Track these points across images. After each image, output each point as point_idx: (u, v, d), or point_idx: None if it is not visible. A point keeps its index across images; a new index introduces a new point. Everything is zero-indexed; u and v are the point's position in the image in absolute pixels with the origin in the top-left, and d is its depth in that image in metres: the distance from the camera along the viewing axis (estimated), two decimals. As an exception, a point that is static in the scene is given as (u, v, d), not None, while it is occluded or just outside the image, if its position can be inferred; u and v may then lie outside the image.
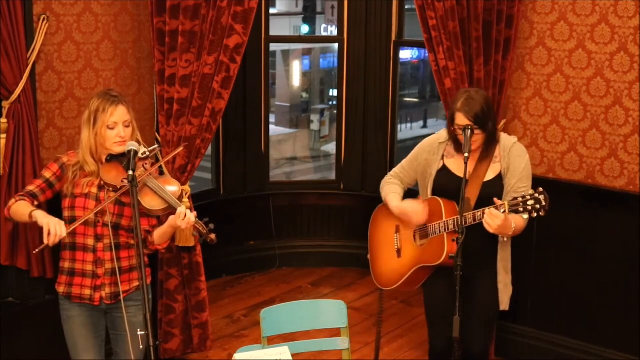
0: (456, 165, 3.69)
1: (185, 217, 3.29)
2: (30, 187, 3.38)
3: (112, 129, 3.33)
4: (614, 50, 4.40)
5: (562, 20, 4.53)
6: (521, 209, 3.37)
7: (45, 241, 3.16)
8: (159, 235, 3.47)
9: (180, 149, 3.88)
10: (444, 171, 3.73)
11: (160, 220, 3.48)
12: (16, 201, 3.33)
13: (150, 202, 3.32)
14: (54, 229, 3.15)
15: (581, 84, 4.53)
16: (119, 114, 3.34)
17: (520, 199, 3.38)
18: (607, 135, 4.49)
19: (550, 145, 4.67)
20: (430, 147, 3.80)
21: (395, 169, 3.97)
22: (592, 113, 4.52)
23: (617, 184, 4.48)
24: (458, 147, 3.67)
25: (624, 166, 4.45)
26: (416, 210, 3.73)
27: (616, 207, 4.47)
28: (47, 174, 3.39)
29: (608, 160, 4.50)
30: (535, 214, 3.36)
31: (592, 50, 4.46)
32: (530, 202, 3.35)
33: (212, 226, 3.40)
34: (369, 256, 4.08)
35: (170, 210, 3.35)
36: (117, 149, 3.35)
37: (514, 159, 3.65)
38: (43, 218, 3.21)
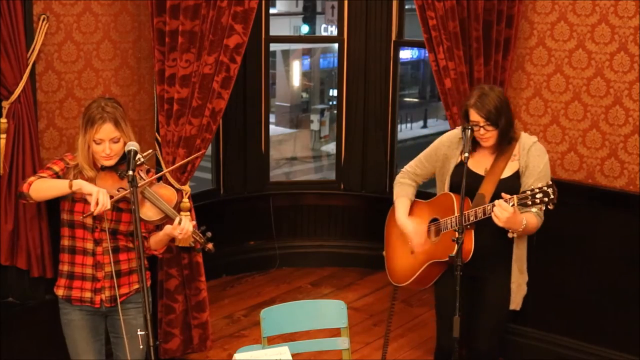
0: (474, 162, 3.69)
1: (183, 228, 3.28)
2: (42, 174, 3.32)
3: (99, 144, 3.29)
4: (614, 50, 4.40)
5: (562, 20, 4.53)
6: (529, 202, 3.37)
7: (92, 209, 3.16)
8: (155, 241, 3.46)
9: (196, 155, 3.78)
10: (462, 167, 3.73)
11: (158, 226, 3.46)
12: (38, 178, 3.29)
13: (147, 212, 3.30)
14: (102, 198, 3.16)
15: (581, 84, 4.53)
16: (105, 131, 3.27)
17: (528, 192, 3.38)
18: (607, 135, 4.48)
19: (550, 145, 4.67)
20: (449, 142, 3.80)
21: (412, 164, 3.97)
22: (592, 113, 4.52)
23: (617, 184, 4.48)
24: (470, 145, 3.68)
25: (624, 166, 4.45)
26: (417, 231, 3.79)
27: (616, 207, 4.47)
28: (56, 167, 3.35)
29: (608, 160, 4.50)
30: (544, 207, 3.37)
31: (592, 50, 4.46)
32: (538, 195, 3.35)
33: (209, 234, 3.38)
34: (384, 253, 4.10)
35: (167, 220, 3.33)
36: (105, 163, 3.32)
37: (532, 158, 3.64)
38: (90, 186, 3.20)
